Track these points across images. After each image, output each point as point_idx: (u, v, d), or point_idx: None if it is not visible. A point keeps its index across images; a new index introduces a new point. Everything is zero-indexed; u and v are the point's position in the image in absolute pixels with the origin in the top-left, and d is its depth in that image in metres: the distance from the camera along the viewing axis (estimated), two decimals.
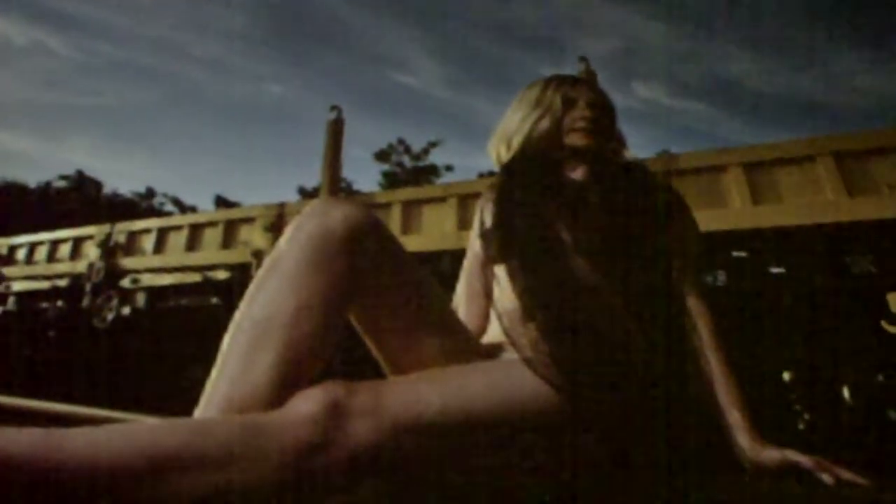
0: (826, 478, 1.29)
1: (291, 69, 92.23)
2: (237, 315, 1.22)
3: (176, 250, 8.01)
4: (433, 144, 39.14)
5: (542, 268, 1.44)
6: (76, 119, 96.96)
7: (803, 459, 1.34)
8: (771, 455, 1.37)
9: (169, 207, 45.89)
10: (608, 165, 1.73)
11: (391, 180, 38.16)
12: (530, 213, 1.55)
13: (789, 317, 4.94)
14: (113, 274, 8.31)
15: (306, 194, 37.60)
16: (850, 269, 4.72)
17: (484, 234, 1.63)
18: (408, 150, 39.29)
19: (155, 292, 8.04)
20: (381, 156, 39.34)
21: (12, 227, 13.84)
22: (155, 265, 8.05)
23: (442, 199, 6.35)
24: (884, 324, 4.72)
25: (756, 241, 4.96)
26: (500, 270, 1.54)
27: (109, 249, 8.48)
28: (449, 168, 39.31)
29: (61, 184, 42.86)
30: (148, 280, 8.06)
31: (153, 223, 8.56)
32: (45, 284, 9.08)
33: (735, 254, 5.05)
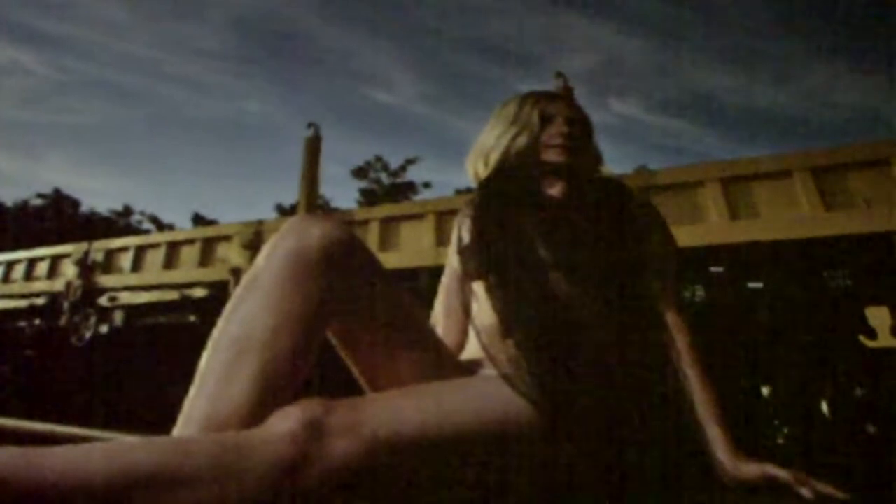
0: (805, 492, 1.29)
1: (268, 87, 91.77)
2: (215, 333, 1.21)
3: (153, 268, 7.98)
4: (411, 161, 39.15)
5: (520, 284, 1.44)
6: (53, 137, 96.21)
7: (782, 473, 1.34)
8: (750, 469, 1.37)
9: (146, 225, 45.63)
10: (585, 181, 1.73)
11: (369, 197, 38.14)
12: (508, 230, 1.55)
13: (767, 331, 4.96)
14: (91, 292, 8.28)
15: (284, 212, 37.53)
16: (828, 284, 4.75)
17: (462, 251, 1.64)
18: (385, 166, 39.25)
19: (133, 310, 8.01)
20: (359, 173, 39.29)
21: None
22: (132, 283, 8.02)
23: (420, 216, 6.35)
24: (862, 338, 4.74)
25: (734, 256, 4.99)
26: (478, 287, 1.55)
27: (87, 268, 8.45)
28: (427, 185, 39.31)
29: (38, 202, 42.62)
30: (126, 298, 8.03)
31: (131, 241, 8.53)
32: (22, 303, 9.04)
33: (713, 269, 5.07)
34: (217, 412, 1.09)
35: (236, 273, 6.97)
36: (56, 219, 40.62)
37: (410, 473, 1.13)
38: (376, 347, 1.37)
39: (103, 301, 8.18)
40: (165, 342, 7.76)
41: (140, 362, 8.05)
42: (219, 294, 7.09)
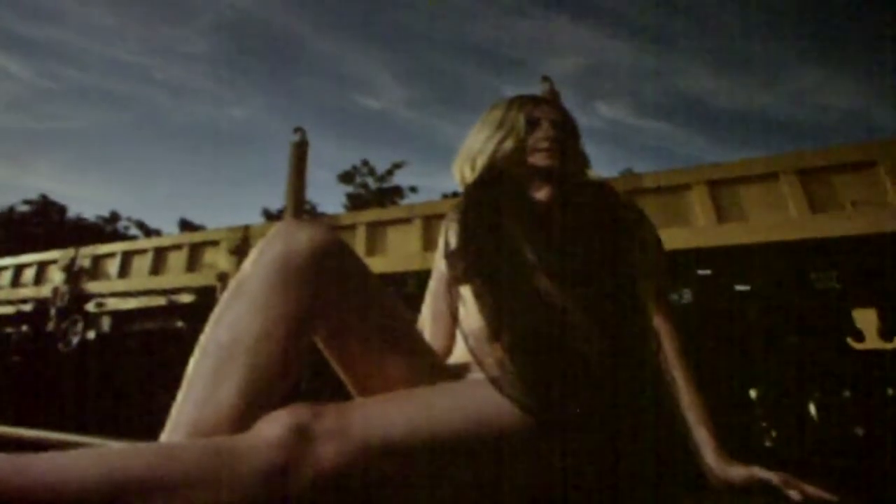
0: (793, 494, 1.29)
1: (255, 92, 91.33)
2: (202, 338, 1.21)
3: (140, 274, 8.00)
4: (397, 165, 39.02)
5: (507, 288, 1.44)
6: (39, 143, 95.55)
7: (770, 476, 1.34)
8: (738, 472, 1.37)
9: (133, 231, 45.41)
10: (572, 185, 1.73)
11: (355, 202, 38.04)
12: (495, 234, 1.55)
13: (755, 334, 4.97)
14: (78, 298, 8.28)
15: (271, 217, 37.39)
16: (815, 286, 4.76)
17: (449, 255, 1.63)
18: (372, 171, 39.12)
19: (120, 316, 8.01)
20: (346, 177, 39.14)
21: None
22: (119, 289, 8.03)
23: (406, 221, 6.38)
24: (849, 340, 4.75)
25: (721, 258, 5.00)
26: (465, 291, 1.54)
27: (74, 274, 8.45)
28: (413, 189, 39.17)
29: (25, 208, 42.39)
30: (113, 304, 8.03)
31: (117, 247, 8.55)
32: (9, 309, 9.02)
33: (700, 272, 5.08)
34: (205, 417, 1.08)
35: (223, 278, 6.98)
36: (43, 225, 40.46)
37: (398, 478, 1.13)
38: (364, 352, 1.36)
39: (90, 307, 8.17)
40: (153, 348, 7.75)
41: (127, 368, 8.04)
42: (206, 299, 7.09)
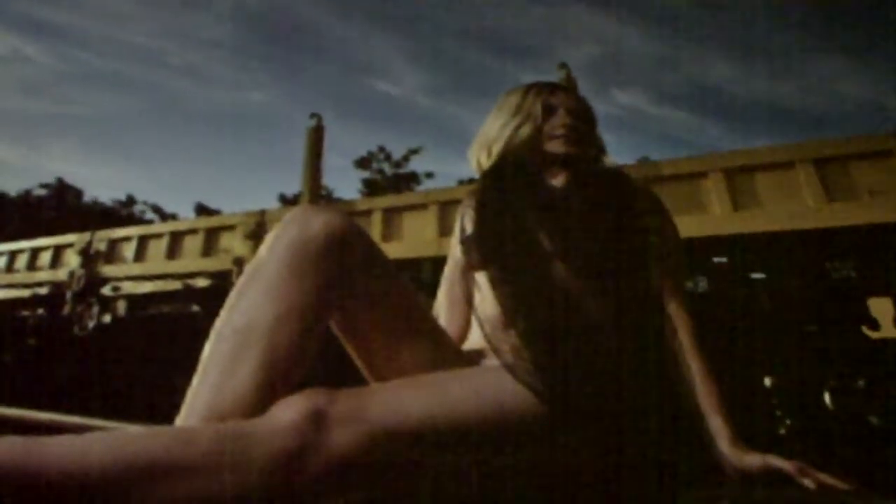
0: (808, 482, 1.29)
1: (272, 77, 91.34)
2: (218, 323, 1.22)
3: (156, 258, 7.99)
4: (414, 151, 38.81)
5: (523, 274, 1.44)
6: (56, 127, 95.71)
7: (785, 464, 1.33)
8: (752, 460, 1.37)
9: (149, 215, 45.33)
10: (588, 172, 1.73)
11: (372, 187, 37.88)
12: (511, 220, 1.55)
13: (770, 322, 4.95)
14: (93, 282, 8.27)
15: (287, 202, 37.23)
16: (831, 275, 4.74)
17: (465, 241, 1.63)
18: (388, 157, 38.95)
19: (136, 300, 8.02)
20: (362, 163, 38.98)
21: None
22: (135, 273, 8.02)
23: (422, 206, 6.36)
24: (865, 329, 4.73)
25: (737, 246, 4.99)
26: (481, 277, 1.54)
27: (90, 257, 8.44)
28: (429, 175, 38.91)
29: (41, 192, 42.43)
30: (128, 288, 8.03)
31: (134, 231, 8.54)
32: (25, 293, 9.03)
33: (716, 260, 5.07)
34: (220, 402, 1.09)
35: (239, 263, 6.97)
36: (59, 209, 40.50)
37: (412, 463, 1.13)
38: (379, 337, 1.37)
39: (106, 291, 8.17)
40: (168, 332, 7.75)
41: (143, 352, 8.04)
42: (222, 284, 7.09)
